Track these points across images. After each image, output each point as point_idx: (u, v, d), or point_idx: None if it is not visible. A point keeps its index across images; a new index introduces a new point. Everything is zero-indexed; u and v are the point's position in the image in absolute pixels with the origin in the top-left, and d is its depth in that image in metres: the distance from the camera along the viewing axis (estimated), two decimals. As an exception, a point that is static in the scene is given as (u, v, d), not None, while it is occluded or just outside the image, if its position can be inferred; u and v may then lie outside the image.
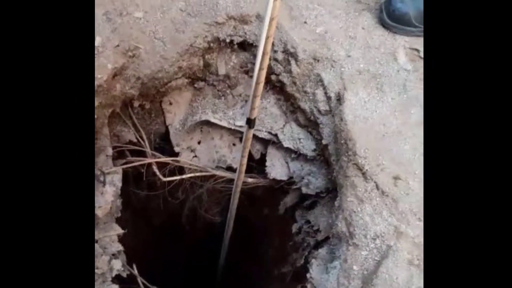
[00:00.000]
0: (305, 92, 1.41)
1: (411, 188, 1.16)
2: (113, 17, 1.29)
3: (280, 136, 1.53)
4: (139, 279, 1.47)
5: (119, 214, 1.47)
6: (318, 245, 1.47)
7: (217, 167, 1.73)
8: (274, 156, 1.62)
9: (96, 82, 1.18)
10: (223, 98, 1.60)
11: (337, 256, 1.21)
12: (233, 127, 1.59)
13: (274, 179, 1.63)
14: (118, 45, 1.26)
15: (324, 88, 1.35)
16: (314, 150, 1.50)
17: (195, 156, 1.72)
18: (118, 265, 1.30)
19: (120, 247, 1.37)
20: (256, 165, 1.71)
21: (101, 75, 1.20)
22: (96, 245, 1.30)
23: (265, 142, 1.63)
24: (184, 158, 1.68)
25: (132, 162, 1.57)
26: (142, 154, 1.60)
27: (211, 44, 1.42)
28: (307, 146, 1.51)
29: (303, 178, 1.56)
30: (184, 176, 1.68)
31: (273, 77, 1.47)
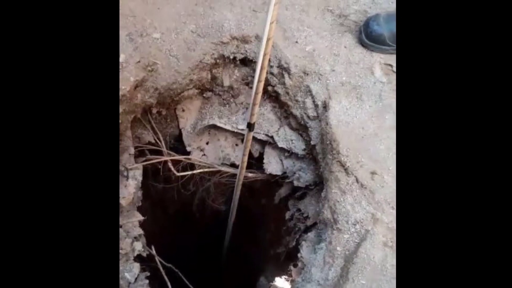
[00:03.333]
0: (297, 100, 1.41)
1: (386, 181, 1.16)
2: (135, 37, 1.30)
3: (276, 138, 1.53)
4: (157, 258, 1.47)
5: (140, 204, 1.47)
6: (307, 229, 1.47)
7: (222, 164, 1.73)
8: (270, 154, 1.62)
9: (121, 93, 1.19)
10: (227, 105, 1.60)
11: (323, 239, 1.21)
12: (236, 130, 1.59)
13: (270, 174, 1.63)
14: (139, 61, 1.26)
15: (313, 97, 1.35)
16: (304, 149, 1.50)
17: (204, 154, 1.72)
18: (139, 246, 1.30)
19: (140, 231, 1.37)
20: (255, 162, 1.71)
21: (124, 87, 1.20)
22: (120, 229, 1.30)
23: (262, 143, 1.63)
24: (195, 156, 1.68)
25: (151, 159, 1.57)
26: (159, 153, 1.60)
27: (217, 60, 1.42)
28: (298, 146, 1.51)
29: (294, 173, 1.56)
30: (194, 172, 1.68)
31: (269, 88, 1.47)
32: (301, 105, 1.40)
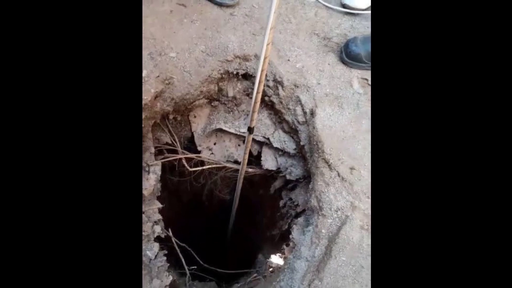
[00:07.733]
0: (289, 108, 1.41)
1: (362, 175, 1.17)
2: (155, 56, 1.30)
3: (271, 139, 1.54)
4: (173, 239, 1.47)
5: (159, 194, 1.47)
6: (297, 215, 1.47)
7: (227, 161, 1.73)
8: (267, 153, 1.62)
9: (143, 102, 1.19)
10: (231, 113, 1.60)
11: (310, 223, 1.22)
12: (238, 133, 1.59)
13: (267, 169, 1.63)
14: (158, 76, 1.26)
15: (302, 106, 1.35)
16: (295, 149, 1.50)
17: (212, 153, 1.72)
18: (158, 229, 1.30)
19: (159, 217, 1.37)
20: (254, 160, 1.71)
21: (146, 97, 1.20)
22: (143, 215, 1.30)
23: (260, 143, 1.63)
24: (204, 155, 1.69)
25: (168, 157, 1.57)
26: (175, 152, 1.60)
27: (223, 75, 1.42)
28: (290, 146, 1.51)
29: (287, 168, 1.56)
30: (204, 167, 1.68)
31: (266, 98, 1.47)
32: (292, 112, 1.40)
